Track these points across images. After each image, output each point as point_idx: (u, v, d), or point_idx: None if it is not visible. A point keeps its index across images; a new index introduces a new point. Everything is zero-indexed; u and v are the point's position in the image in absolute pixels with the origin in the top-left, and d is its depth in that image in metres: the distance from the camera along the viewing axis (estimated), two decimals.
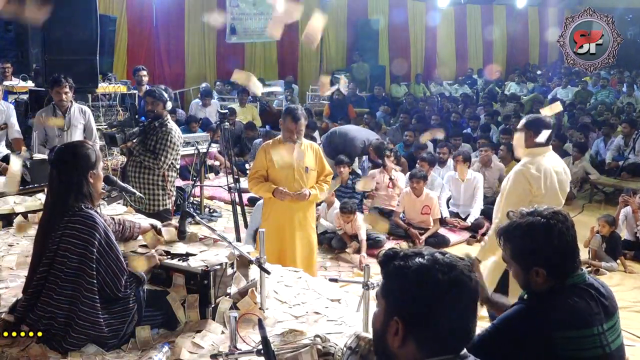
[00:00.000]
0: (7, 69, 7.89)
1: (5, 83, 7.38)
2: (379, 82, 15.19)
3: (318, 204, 5.93)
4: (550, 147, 3.78)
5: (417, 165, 7.36)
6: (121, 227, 3.05)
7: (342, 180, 6.92)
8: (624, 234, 6.38)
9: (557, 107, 4.75)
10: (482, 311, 3.31)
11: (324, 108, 12.23)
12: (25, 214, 3.98)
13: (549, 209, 2.16)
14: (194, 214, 3.05)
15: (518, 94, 15.21)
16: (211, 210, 7.51)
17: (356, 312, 2.81)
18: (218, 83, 12.96)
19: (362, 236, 6.12)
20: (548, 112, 4.20)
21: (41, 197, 4.11)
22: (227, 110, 6.74)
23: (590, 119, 11.77)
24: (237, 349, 2.21)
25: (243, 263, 2.91)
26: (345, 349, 2.10)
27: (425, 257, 1.49)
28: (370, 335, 2.04)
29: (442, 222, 6.87)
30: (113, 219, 3.04)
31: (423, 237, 6.51)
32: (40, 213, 3.00)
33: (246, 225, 5.93)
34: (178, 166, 5.17)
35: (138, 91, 8.20)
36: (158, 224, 3.24)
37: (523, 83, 16.96)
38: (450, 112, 12.25)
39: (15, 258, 3.32)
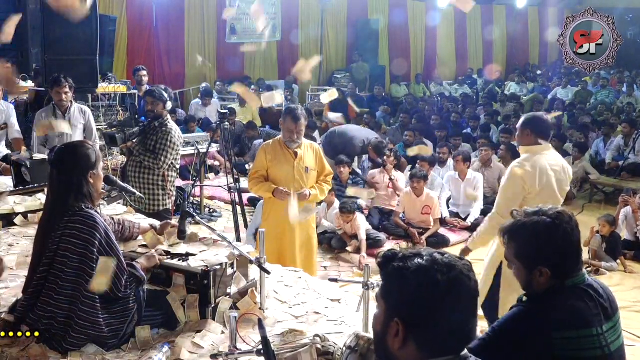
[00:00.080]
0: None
1: None
2: (379, 82, 15.20)
3: (318, 204, 5.94)
4: (550, 145, 3.80)
5: (417, 165, 7.37)
6: (121, 227, 3.06)
7: (342, 180, 6.92)
8: (624, 234, 6.38)
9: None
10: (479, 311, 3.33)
11: (324, 108, 12.23)
12: (25, 214, 3.98)
13: (554, 209, 2.15)
14: (194, 214, 3.04)
15: (518, 94, 15.22)
16: (211, 210, 7.51)
17: (356, 312, 2.81)
18: (218, 83, 12.97)
19: (362, 236, 6.12)
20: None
21: (41, 197, 4.11)
22: (227, 110, 6.74)
23: (590, 119, 11.77)
24: (237, 349, 2.21)
25: (243, 263, 2.92)
26: (344, 348, 2.10)
27: (424, 257, 1.48)
28: (369, 334, 2.05)
29: (442, 222, 6.88)
30: (112, 219, 3.05)
31: (423, 237, 6.52)
32: (40, 213, 3.00)
33: (246, 225, 5.93)
34: (178, 166, 5.17)
35: (138, 91, 8.20)
36: (158, 224, 3.24)
37: (523, 83, 16.97)
38: (450, 112, 12.26)
39: (15, 258, 3.32)
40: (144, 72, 8.89)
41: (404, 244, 6.49)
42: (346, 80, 15.00)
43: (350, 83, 14.52)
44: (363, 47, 15.78)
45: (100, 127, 6.46)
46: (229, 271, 2.79)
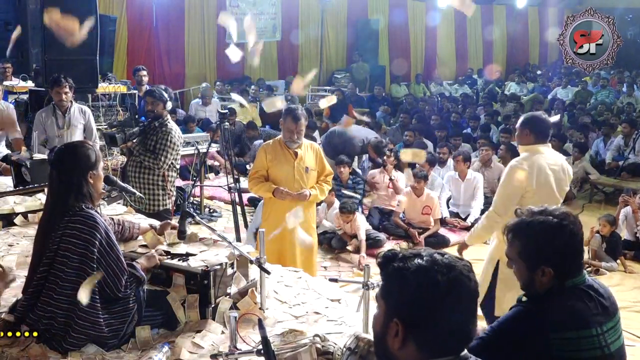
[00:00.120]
0: (7, 69, 7.89)
1: (5, 83, 7.38)
2: (379, 82, 15.21)
3: (318, 204, 5.94)
4: (549, 144, 3.80)
5: (417, 165, 7.37)
6: (121, 227, 3.06)
7: (342, 180, 6.92)
8: (624, 234, 6.38)
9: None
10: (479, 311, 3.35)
11: (324, 108, 12.23)
12: (25, 214, 3.98)
13: (559, 209, 2.15)
14: (194, 214, 3.04)
15: (518, 94, 15.23)
16: (211, 210, 7.51)
17: (356, 312, 2.81)
18: (218, 83, 12.96)
19: (362, 236, 6.12)
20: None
21: (41, 197, 4.11)
22: (227, 110, 6.74)
23: (590, 119, 11.78)
24: (237, 349, 2.21)
25: (243, 263, 2.92)
26: (344, 349, 2.10)
27: (424, 258, 1.48)
28: (369, 336, 2.05)
29: (442, 222, 6.88)
30: (112, 219, 3.05)
31: (422, 237, 6.52)
32: (40, 213, 3.00)
33: (246, 225, 5.93)
34: (178, 166, 5.17)
35: (138, 91, 8.20)
36: (158, 224, 3.24)
37: (523, 83, 16.98)
38: (450, 112, 12.26)
39: (15, 258, 3.31)
40: (144, 72, 8.89)
41: (404, 244, 6.50)
42: (346, 80, 15.00)
43: (350, 83, 14.53)
44: (363, 47, 15.79)
45: (100, 127, 6.46)
46: (229, 271, 2.79)
